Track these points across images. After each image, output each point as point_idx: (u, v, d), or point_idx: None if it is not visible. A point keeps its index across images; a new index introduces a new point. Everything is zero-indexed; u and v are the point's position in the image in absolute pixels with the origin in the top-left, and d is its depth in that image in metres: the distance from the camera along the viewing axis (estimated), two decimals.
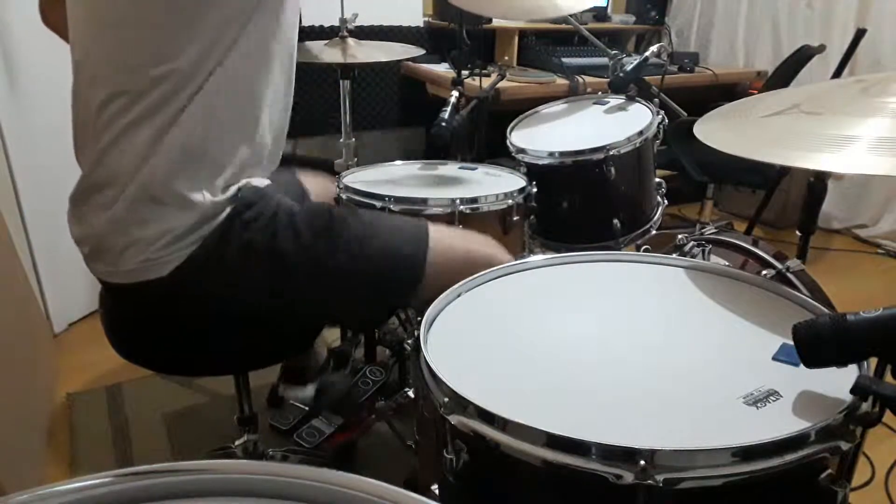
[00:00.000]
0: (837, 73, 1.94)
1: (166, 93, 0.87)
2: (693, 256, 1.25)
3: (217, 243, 0.92)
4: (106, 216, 0.91)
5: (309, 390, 1.64)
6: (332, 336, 1.85)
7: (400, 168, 1.50)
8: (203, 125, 0.89)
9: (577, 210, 1.54)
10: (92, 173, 0.92)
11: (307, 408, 1.63)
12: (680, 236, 1.30)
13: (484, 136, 1.69)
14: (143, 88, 0.87)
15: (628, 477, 0.56)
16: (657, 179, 1.61)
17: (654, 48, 1.66)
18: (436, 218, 1.19)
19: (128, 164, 0.89)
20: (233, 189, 0.94)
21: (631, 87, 1.63)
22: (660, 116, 1.53)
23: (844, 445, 0.59)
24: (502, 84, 1.81)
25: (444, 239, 1.04)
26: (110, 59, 0.89)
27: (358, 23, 2.04)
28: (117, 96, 0.88)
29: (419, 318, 0.79)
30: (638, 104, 1.62)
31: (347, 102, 2.02)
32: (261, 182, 0.98)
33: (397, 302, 1.01)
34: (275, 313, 0.99)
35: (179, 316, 0.97)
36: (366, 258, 0.99)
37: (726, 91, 2.95)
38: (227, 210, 0.93)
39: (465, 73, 1.65)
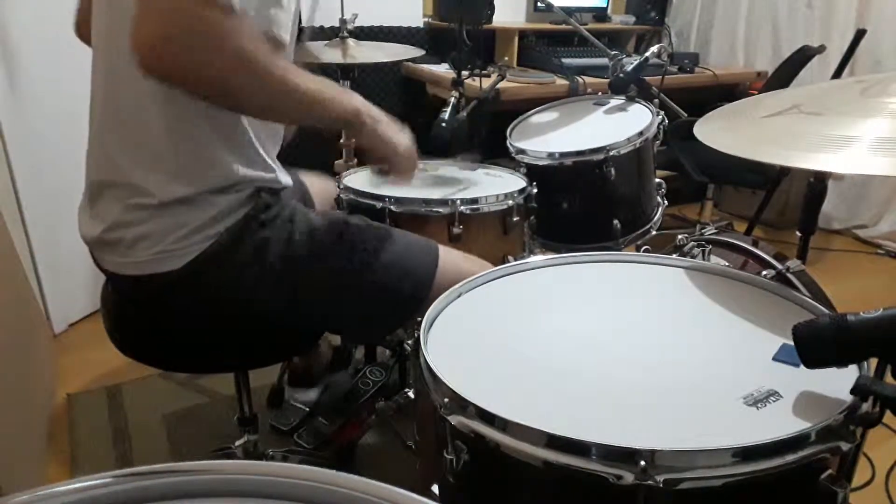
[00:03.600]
0: (837, 74, 1.94)
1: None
2: (693, 257, 1.25)
3: (233, 239, 0.92)
4: (120, 207, 0.90)
5: (314, 392, 1.65)
6: (334, 335, 1.85)
7: None
8: (213, 121, 0.89)
9: (577, 211, 1.53)
10: (107, 170, 0.92)
11: (308, 408, 1.63)
12: (680, 237, 1.29)
13: (484, 137, 1.69)
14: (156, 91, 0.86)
15: (628, 477, 0.56)
16: (657, 180, 1.61)
17: (654, 49, 1.66)
18: (436, 219, 1.19)
19: (143, 161, 0.89)
20: (250, 188, 0.94)
21: (631, 87, 1.63)
22: (660, 117, 1.53)
23: (845, 446, 0.59)
24: (502, 85, 1.81)
25: (452, 260, 1.06)
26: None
27: (358, 23, 2.05)
28: (135, 96, 0.87)
29: (419, 319, 0.79)
30: (638, 105, 1.62)
31: None
32: (277, 182, 0.99)
33: (402, 316, 1.02)
34: (281, 314, 0.99)
35: (185, 311, 0.97)
36: (377, 270, 1.00)
37: (726, 91, 2.94)
38: (246, 209, 0.94)
39: (465, 73, 1.64)
